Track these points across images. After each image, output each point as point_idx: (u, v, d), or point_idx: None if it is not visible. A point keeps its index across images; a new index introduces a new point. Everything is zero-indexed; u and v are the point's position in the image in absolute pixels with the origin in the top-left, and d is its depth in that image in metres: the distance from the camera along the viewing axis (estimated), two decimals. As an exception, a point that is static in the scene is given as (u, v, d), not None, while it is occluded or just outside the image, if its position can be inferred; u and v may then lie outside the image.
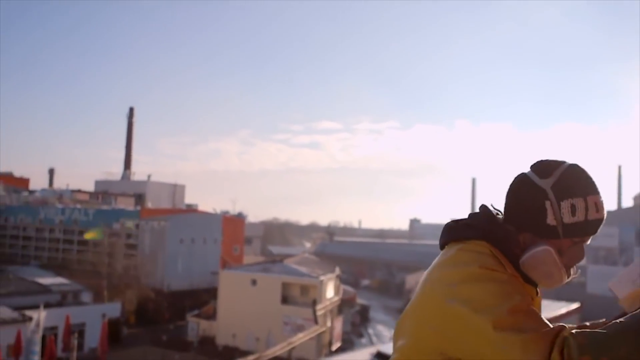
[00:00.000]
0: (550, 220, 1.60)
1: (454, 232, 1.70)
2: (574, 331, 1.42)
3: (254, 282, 39.64)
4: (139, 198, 68.39)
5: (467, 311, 1.49)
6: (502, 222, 1.68)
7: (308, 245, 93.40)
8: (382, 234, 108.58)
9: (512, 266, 1.62)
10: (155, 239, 50.67)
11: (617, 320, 1.43)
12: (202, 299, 45.10)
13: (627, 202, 67.59)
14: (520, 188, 1.67)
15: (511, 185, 1.70)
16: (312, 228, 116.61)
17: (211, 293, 43.80)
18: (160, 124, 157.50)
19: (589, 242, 1.68)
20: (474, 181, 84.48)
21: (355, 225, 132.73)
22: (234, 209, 77.70)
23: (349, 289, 54.74)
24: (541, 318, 1.49)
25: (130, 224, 52.52)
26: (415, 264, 62.32)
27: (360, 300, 55.92)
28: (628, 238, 48.25)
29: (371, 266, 76.48)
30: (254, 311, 37.42)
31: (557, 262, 1.60)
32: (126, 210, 56.49)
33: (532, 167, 1.69)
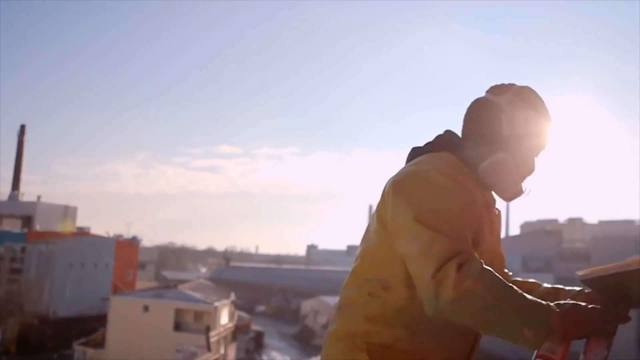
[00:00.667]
0: (505, 131, 1.74)
1: (421, 149, 1.83)
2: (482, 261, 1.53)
3: (146, 308, 38.65)
4: (27, 220, 65.00)
5: (403, 198, 1.64)
6: (463, 140, 1.81)
7: (204, 270, 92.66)
8: (279, 259, 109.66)
9: (473, 178, 1.73)
10: (43, 263, 48.37)
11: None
12: (91, 326, 43.46)
13: (514, 231, 71.94)
14: (477, 106, 1.82)
15: (468, 107, 1.84)
16: (209, 253, 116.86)
17: (101, 320, 42.28)
18: (55, 144, 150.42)
19: (539, 156, 1.81)
20: (370, 208, 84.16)
21: (253, 250, 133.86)
22: (128, 233, 75.31)
23: (244, 315, 54.70)
24: (463, 233, 1.60)
25: (15, 247, 49.93)
26: (311, 290, 62.50)
27: (255, 327, 55.92)
28: (515, 266, 50.93)
29: (267, 292, 76.37)
30: (146, 338, 36.47)
31: (513, 171, 1.73)
32: (11, 233, 53.64)
33: (487, 91, 1.84)
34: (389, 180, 1.73)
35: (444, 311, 1.49)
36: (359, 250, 1.81)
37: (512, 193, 1.77)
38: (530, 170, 1.78)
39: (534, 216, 75.59)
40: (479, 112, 1.80)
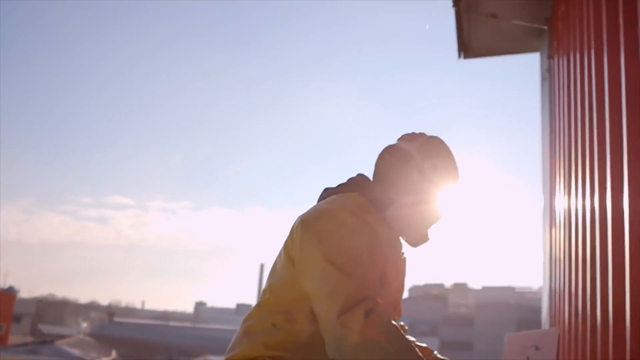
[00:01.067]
0: (414, 179, 1.77)
1: (332, 189, 1.87)
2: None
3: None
4: None
5: (312, 236, 1.66)
6: (374, 184, 1.84)
7: (85, 325, 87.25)
8: (165, 316, 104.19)
9: (382, 220, 1.76)
10: None
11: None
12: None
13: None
14: (388, 152, 1.84)
15: (380, 153, 1.85)
16: (92, 307, 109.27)
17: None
18: None
19: (446, 208, 1.82)
20: (262, 267, 76.02)
21: (139, 305, 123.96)
22: (4, 283, 64.97)
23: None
24: (370, 276, 1.63)
25: None
26: (198, 348, 58.37)
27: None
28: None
29: (151, 350, 68.70)
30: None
31: (419, 218, 1.78)
32: None
33: (398, 138, 1.88)
34: (298, 218, 1.75)
35: (345, 353, 1.52)
36: (266, 285, 1.80)
37: (418, 239, 1.79)
38: (436, 218, 1.80)
39: (421, 280, 75.18)
40: (390, 158, 1.81)
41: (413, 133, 1.87)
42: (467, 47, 4.89)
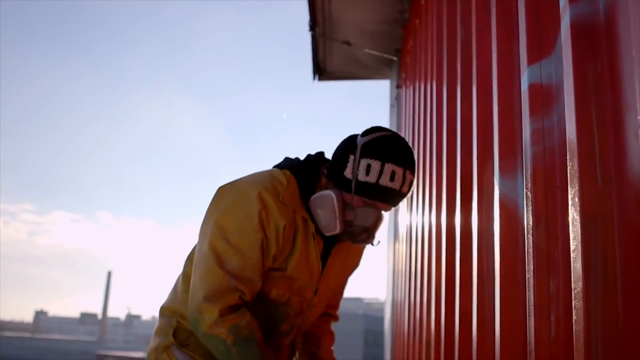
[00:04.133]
0: (347, 173, 1.68)
1: (282, 162, 1.84)
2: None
3: None
4: None
5: (213, 210, 1.71)
6: (321, 169, 1.78)
7: None
8: (1, 325, 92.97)
9: (302, 203, 1.73)
10: None
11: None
12: None
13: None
14: (342, 142, 1.76)
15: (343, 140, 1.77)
16: None
17: None
18: None
19: (387, 211, 1.74)
20: (109, 274, 79.88)
21: None
22: None
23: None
24: (251, 271, 1.66)
25: None
26: None
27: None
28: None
29: None
30: None
31: (335, 209, 1.66)
32: None
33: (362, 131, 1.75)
34: (223, 184, 1.76)
35: (195, 330, 1.68)
36: None
37: (327, 228, 1.70)
38: (363, 221, 1.70)
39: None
40: (338, 147, 1.75)
41: (377, 127, 1.75)
42: (322, 70, 5.10)
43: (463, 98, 2.22)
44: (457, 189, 2.20)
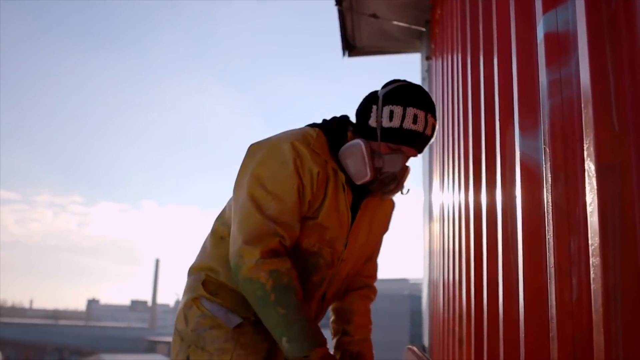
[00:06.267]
0: (372, 122, 1.73)
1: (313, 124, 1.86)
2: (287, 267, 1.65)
3: None
4: None
5: (248, 161, 1.75)
6: (347, 127, 1.83)
7: None
8: (56, 314, 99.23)
9: (331, 155, 1.76)
10: None
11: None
12: None
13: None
14: (364, 97, 1.81)
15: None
16: None
17: None
18: None
19: (414, 156, 1.79)
20: (157, 262, 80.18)
21: (26, 305, 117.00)
22: None
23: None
24: (289, 215, 1.68)
25: None
26: (91, 348, 57.48)
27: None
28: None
29: (40, 351, 68.10)
30: None
31: (364, 156, 1.70)
32: None
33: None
34: (254, 142, 1.80)
35: (236, 278, 1.68)
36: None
37: (358, 176, 1.73)
38: (391, 167, 1.74)
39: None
40: (362, 102, 1.79)
41: (396, 79, 1.82)
42: (352, 46, 5.01)
43: (485, 60, 2.12)
44: (482, 157, 2.11)
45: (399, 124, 1.70)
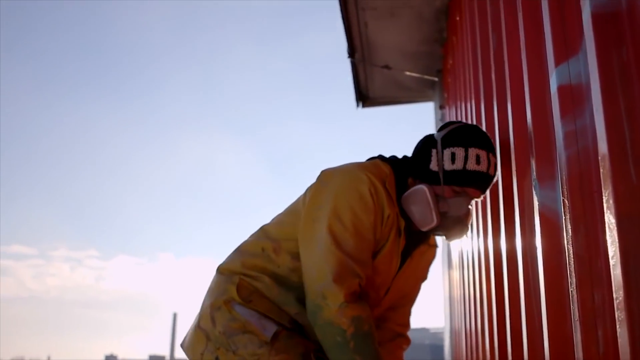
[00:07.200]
0: (433, 166, 1.71)
1: (374, 156, 1.84)
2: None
3: None
4: None
5: (325, 193, 1.69)
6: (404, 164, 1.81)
7: None
8: None
9: (396, 200, 1.73)
10: None
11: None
12: None
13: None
14: (420, 141, 1.80)
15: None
16: None
17: None
18: None
19: (478, 198, 1.77)
20: (175, 316, 77.91)
21: None
22: None
23: None
24: (366, 254, 1.66)
25: None
26: None
27: None
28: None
29: None
30: None
31: (429, 201, 1.67)
32: None
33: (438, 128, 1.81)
34: (326, 169, 1.77)
35: (316, 322, 1.61)
36: (280, 212, 1.87)
37: (423, 223, 1.70)
38: (456, 210, 1.71)
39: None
40: (418, 146, 1.78)
41: (451, 121, 1.82)
42: (365, 97, 5.06)
43: (499, 109, 2.13)
44: (500, 205, 2.10)
45: (462, 166, 1.68)
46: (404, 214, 1.75)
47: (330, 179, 1.73)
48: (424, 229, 1.73)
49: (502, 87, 2.09)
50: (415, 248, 1.86)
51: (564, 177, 1.29)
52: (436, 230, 1.77)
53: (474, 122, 2.79)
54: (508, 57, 1.94)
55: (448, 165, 1.69)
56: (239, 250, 1.87)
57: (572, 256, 1.26)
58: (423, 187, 1.69)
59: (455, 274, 3.97)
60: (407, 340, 2.09)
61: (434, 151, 1.73)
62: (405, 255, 1.83)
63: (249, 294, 1.75)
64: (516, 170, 1.82)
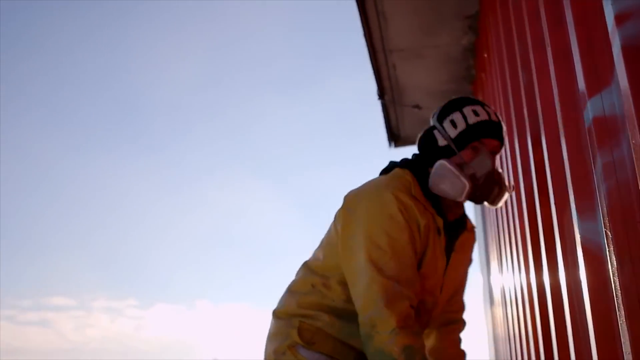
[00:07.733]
0: (441, 142, 1.76)
1: (393, 163, 1.87)
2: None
3: None
4: None
5: (359, 228, 1.68)
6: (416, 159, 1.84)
7: None
8: None
9: (426, 198, 1.74)
10: None
11: None
12: None
13: None
14: (421, 135, 1.86)
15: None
16: None
17: None
18: None
19: (498, 150, 1.79)
20: None
21: None
22: None
23: None
24: (404, 267, 1.64)
25: None
26: None
27: None
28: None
29: None
30: None
31: (452, 170, 1.69)
32: None
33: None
34: (348, 193, 1.78)
35: (366, 348, 1.61)
36: (318, 246, 1.88)
37: (459, 192, 1.69)
38: (484, 166, 1.73)
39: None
40: (420, 139, 1.84)
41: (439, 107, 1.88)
42: (397, 136, 5.09)
43: (534, 143, 2.13)
44: (541, 239, 2.08)
45: (465, 124, 1.73)
46: (440, 212, 1.78)
47: (356, 205, 1.74)
48: (462, 198, 1.73)
49: (536, 122, 2.09)
50: (456, 240, 1.88)
51: (605, 210, 1.29)
52: (475, 197, 1.78)
53: (509, 161, 2.79)
54: (539, 92, 1.94)
55: (453, 133, 1.74)
56: (290, 292, 1.87)
57: (619, 288, 1.24)
58: (440, 162, 1.72)
59: (498, 311, 3.90)
60: (463, 322, 2.11)
61: (435, 131, 1.79)
62: (449, 250, 1.86)
63: (312, 335, 1.75)
64: (555, 205, 1.81)
